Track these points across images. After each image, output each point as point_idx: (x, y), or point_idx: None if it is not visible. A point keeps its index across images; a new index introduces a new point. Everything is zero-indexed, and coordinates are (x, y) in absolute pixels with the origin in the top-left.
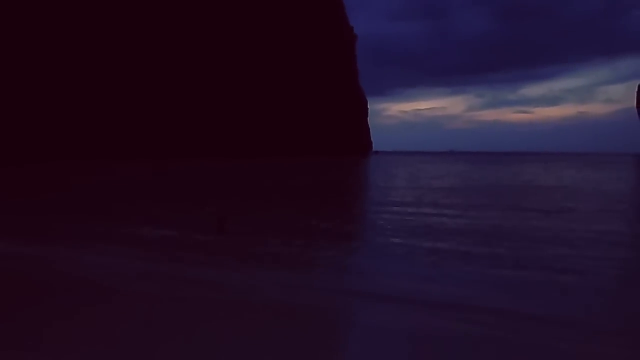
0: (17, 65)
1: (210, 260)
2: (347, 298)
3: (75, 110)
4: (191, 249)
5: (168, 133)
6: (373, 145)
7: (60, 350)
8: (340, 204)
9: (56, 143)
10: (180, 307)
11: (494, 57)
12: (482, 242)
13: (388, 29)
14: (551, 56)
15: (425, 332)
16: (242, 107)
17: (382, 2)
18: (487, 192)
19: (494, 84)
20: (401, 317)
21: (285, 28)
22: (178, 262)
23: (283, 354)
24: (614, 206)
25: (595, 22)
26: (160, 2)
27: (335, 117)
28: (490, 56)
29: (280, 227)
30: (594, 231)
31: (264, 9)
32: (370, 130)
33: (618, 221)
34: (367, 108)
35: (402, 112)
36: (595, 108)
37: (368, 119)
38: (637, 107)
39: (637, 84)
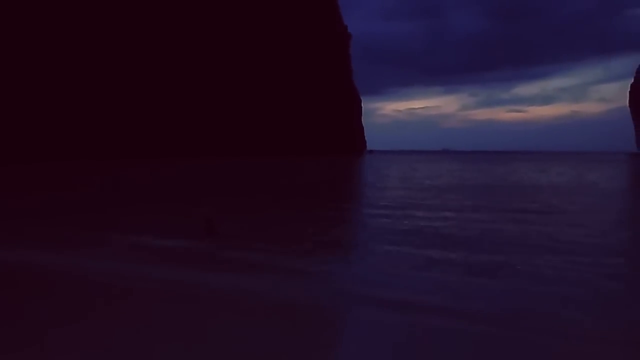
0: (16, 65)
1: (199, 263)
2: (336, 304)
3: (71, 110)
4: (180, 251)
5: (162, 132)
6: (367, 144)
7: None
8: (331, 205)
9: (52, 143)
10: (174, 309)
11: (488, 57)
12: (478, 249)
13: (382, 28)
14: (544, 55)
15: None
16: (235, 106)
17: (376, 2)
18: (481, 192)
19: (487, 83)
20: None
21: (278, 27)
22: (167, 266)
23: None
24: (607, 206)
25: (588, 21)
26: (154, 1)
27: (330, 116)
28: (484, 55)
29: (269, 230)
30: (586, 235)
31: (258, 8)
32: (365, 130)
33: (612, 223)
34: (361, 107)
35: (397, 111)
36: (589, 107)
37: (362, 118)
38: (630, 106)
39: (630, 83)
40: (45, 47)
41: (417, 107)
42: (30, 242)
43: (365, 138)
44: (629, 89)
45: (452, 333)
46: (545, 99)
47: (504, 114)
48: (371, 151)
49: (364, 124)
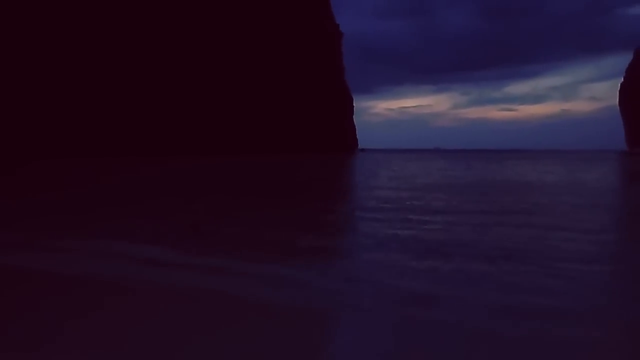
0: (17, 64)
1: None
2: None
3: (71, 108)
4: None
5: (153, 131)
6: (359, 142)
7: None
8: (319, 205)
9: (52, 141)
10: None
11: (479, 55)
12: (480, 259)
13: (374, 26)
14: (535, 54)
15: None
16: (227, 105)
17: (368, 0)
18: (469, 191)
19: (479, 82)
20: None
21: (270, 26)
22: (151, 267)
23: None
24: (597, 205)
25: (578, 20)
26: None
27: (321, 115)
28: (475, 54)
29: (252, 237)
30: (575, 240)
31: (250, 6)
32: (357, 128)
33: (603, 225)
34: (353, 106)
35: (388, 110)
36: (579, 106)
37: (354, 116)
38: (620, 104)
39: (620, 82)
40: (47, 46)
41: (408, 105)
42: None
43: (357, 136)
44: (618, 88)
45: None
46: (536, 98)
47: (495, 113)
48: (363, 150)
49: (355, 123)
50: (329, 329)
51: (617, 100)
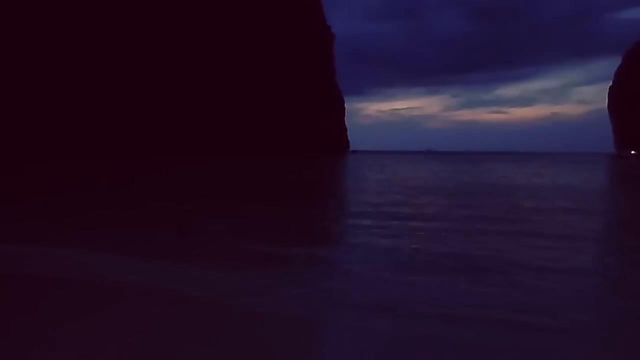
0: (17, 65)
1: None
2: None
3: (69, 111)
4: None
5: (144, 134)
6: (350, 144)
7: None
8: (309, 213)
9: (49, 143)
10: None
11: (470, 58)
12: (449, 270)
13: (365, 29)
14: (526, 57)
15: None
16: (218, 107)
17: (359, 2)
18: (460, 195)
19: (469, 84)
20: None
21: (261, 28)
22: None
23: None
24: (586, 207)
25: (568, 24)
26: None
27: (313, 117)
28: (466, 57)
29: (233, 248)
30: (564, 248)
31: (241, 8)
32: (348, 130)
33: (592, 230)
34: (345, 107)
35: (380, 112)
36: (569, 109)
37: (345, 118)
38: (609, 108)
39: (609, 86)
40: (47, 47)
41: (400, 107)
42: None
43: (349, 138)
44: (607, 92)
45: None
46: (526, 101)
47: (486, 115)
48: (354, 151)
49: (347, 124)
50: (285, 336)
51: (606, 103)
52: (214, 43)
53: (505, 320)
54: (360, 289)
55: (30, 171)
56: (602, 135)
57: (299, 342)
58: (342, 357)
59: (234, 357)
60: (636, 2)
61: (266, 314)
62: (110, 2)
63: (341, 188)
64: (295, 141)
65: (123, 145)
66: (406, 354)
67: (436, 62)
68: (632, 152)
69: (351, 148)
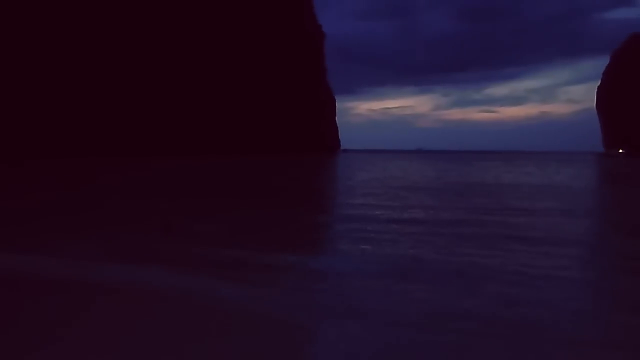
0: (17, 65)
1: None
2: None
3: (62, 110)
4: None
5: (134, 132)
6: (342, 143)
7: None
8: (293, 215)
9: (43, 141)
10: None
11: (460, 57)
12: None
13: (356, 28)
14: (515, 57)
15: None
16: (209, 105)
17: (350, 2)
18: (448, 194)
19: (460, 83)
20: None
21: (252, 27)
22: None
23: None
24: (575, 207)
25: (556, 24)
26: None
27: (304, 116)
28: (456, 56)
29: (216, 250)
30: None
31: (232, 7)
32: (339, 129)
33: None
34: (336, 106)
35: (371, 111)
36: (558, 108)
37: (336, 117)
38: (597, 107)
39: (597, 85)
40: (47, 47)
41: (391, 106)
42: None
43: (340, 137)
44: (596, 91)
45: None
46: (516, 100)
47: (476, 114)
48: (345, 150)
49: (338, 123)
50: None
51: (595, 102)
52: (205, 42)
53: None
54: (335, 295)
55: (17, 171)
56: (591, 134)
57: (283, 344)
58: None
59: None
60: (623, 2)
61: (256, 317)
62: (103, 2)
63: (327, 188)
64: (286, 140)
65: (113, 143)
66: None
67: (427, 61)
68: (620, 150)
69: (342, 147)
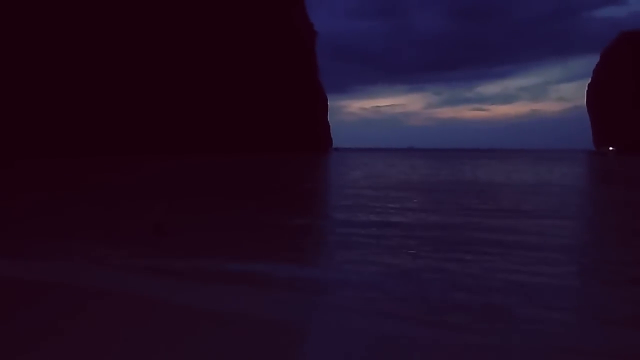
0: (18, 65)
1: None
2: None
3: (56, 108)
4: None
5: (127, 131)
6: (334, 142)
7: None
8: (279, 217)
9: (38, 141)
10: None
11: (451, 56)
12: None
13: (348, 26)
14: (506, 55)
15: None
16: (201, 104)
17: (342, 0)
18: (437, 194)
19: (451, 82)
20: None
21: (243, 25)
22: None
23: None
24: (567, 208)
25: (547, 22)
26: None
27: (296, 114)
28: (447, 54)
29: (207, 252)
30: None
31: (222, 6)
32: (331, 127)
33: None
34: (327, 105)
35: (362, 109)
36: (548, 106)
37: (328, 115)
38: (587, 105)
39: (587, 83)
40: (49, 47)
41: (382, 105)
42: None
43: (332, 136)
44: (586, 89)
45: None
46: (507, 98)
47: (467, 113)
48: (337, 149)
49: (330, 122)
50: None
51: (585, 100)
52: (197, 42)
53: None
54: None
55: (11, 171)
56: (581, 132)
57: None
58: None
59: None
60: (612, 0)
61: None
62: (98, 5)
63: (315, 188)
64: (278, 139)
65: (107, 142)
66: None
67: (418, 60)
68: (610, 148)
69: (334, 145)
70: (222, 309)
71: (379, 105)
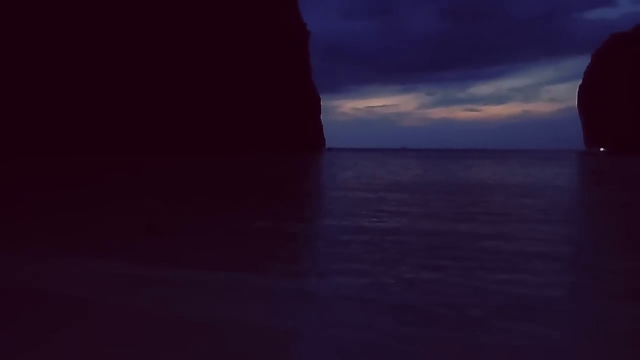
0: (18, 63)
1: None
2: None
3: (52, 107)
4: None
5: (111, 130)
6: (326, 141)
7: None
8: (267, 224)
9: (39, 140)
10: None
11: (444, 56)
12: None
13: (341, 26)
14: (498, 56)
15: None
16: (194, 104)
17: (335, 0)
18: (427, 195)
19: (443, 82)
20: None
21: (236, 25)
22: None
23: None
24: (549, 211)
25: (539, 23)
26: None
27: (289, 114)
28: (440, 55)
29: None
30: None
31: (214, 5)
32: (324, 127)
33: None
34: (320, 105)
35: (355, 109)
36: (540, 107)
37: (321, 115)
38: (578, 106)
39: (579, 84)
40: (48, 45)
41: (375, 105)
42: None
43: (324, 135)
44: (577, 90)
45: None
46: (499, 99)
47: (460, 113)
48: (330, 149)
49: (323, 122)
50: None
51: (576, 101)
52: (189, 42)
53: None
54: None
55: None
56: (573, 133)
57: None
58: None
59: None
60: (603, 2)
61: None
62: (95, 4)
63: (307, 189)
64: (271, 138)
65: (101, 142)
66: None
67: (411, 60)
68: (601, 149)
69: (327, 145)
70: (205, 318)
71: (371, 105)
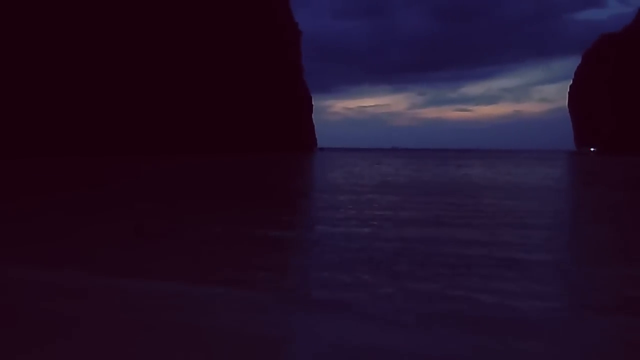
0: (15, 62)
1: None
2: None
3: (51, 107)
4: None
5: (105, 131)
6: (318, 141)
7: None
8: (254, 230)
9: (36, 140)
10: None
11: (435, 56)
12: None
13: (332, 26)
14: (489, 56)
15: None
16: (184, 104)
17: (327, 0)
18: (426, 194)
19: (435, 82)
20: None
21: (227, 24)
22: None
23: None
24: (539, 211)
25: (529, 24)
26: None
27: (280, 114)
28: (431, 55)
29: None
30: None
31: (206, 5)
32: (316, 127)
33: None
34: (312, 105)
35: (347, 109)
36: (530, 107)
37: (313, 115)
38: (569, 106)
39: (569, 85)
40: (50, 45)
41: (366, 105)
42: None
43: (316, 135)
44: (568, 90)
45: None
46: (490, 99)
47: (451, 113)
48: (321, 149)
49: (314, 122)
50: None
51: (567, 102)
52: (181, 43)
53: None
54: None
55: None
56: (564, 133)
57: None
58: None
59: None
60: (593, 3)
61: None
62: (94, 4)
63: (297, 191)
64: (262, 138)
65: (97, 142)
66: None
67: (402, 60)
68: (592, 149)
69: (318, 145)
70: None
71: (363, 105)
